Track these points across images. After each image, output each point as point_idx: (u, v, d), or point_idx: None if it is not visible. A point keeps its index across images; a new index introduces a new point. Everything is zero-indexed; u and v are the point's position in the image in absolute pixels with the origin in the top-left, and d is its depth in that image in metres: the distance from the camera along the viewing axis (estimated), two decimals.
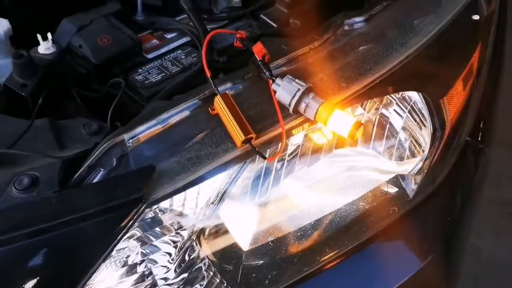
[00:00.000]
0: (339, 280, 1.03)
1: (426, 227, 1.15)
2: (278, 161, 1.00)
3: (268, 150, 0.95)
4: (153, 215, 0.90)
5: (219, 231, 1.00)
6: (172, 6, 1.34)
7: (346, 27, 1.07)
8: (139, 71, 1.18)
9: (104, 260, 0.84)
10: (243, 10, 1.35)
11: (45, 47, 1.08)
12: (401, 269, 1.10)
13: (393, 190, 1.11)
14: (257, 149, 0.88)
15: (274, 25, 1.21)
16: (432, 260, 1.12)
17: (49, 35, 1.09)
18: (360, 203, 1.04)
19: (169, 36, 1.29)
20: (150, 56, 1.23)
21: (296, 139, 0.99)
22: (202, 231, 0.97)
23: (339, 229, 1.03)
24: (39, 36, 1.08)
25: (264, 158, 0.90)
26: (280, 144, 0.94)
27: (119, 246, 0.87)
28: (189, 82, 1.10)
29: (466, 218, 1.25)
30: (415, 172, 1.10)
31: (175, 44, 1.27)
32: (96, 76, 1.16)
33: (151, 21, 1.32)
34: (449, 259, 1.22)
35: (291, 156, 1.01)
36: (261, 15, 1.23)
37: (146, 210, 0.84)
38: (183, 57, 1.23)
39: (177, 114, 0.91)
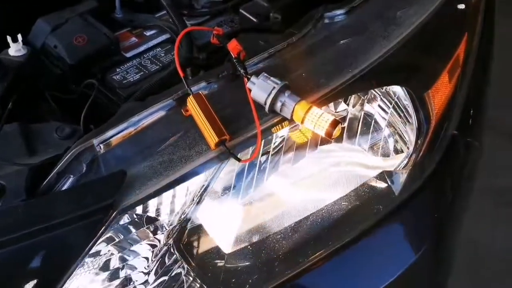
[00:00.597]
0: (324, 282, 1.00)
1: (414, 223, 1.12)
2: (262, 155, 0.97)
3: (251, 148, 0.92)
4: (128, 220, 0.88)
5: (198, 234, 0.97)
6: (152, 2, 1.30)
7: (327, 20, 1.04)
8: (117, 70, 1.15)
9: (76, 269, 0.82)
10: (225, 4, 1.32)
11: (15, 49, 1.05)
12: (391, 265, 1.07)
13: (379, 186, 1.07)
14: (231, 151, 0.85)
15: (254, 19, 1.18)
16: (422, 255, 1.09)
17: (19, 36, 1.06)
18: (343, 203, 1.01)
19: (148, 33, 1.26)
20: (128, 54, 1.20)
21: (281, 132, 0.96)
22: (180, 234, 0.94)
23: (322, 230, 0.99)
24: (9, 38, 1.05)
25: (238, 160, 0.87)
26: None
27: (93, 252, 0.85)
28: (167, 81, 1.07)
29: (457, 211, 1.22)
30: (401, 168, 1.07)
31: (155, 41, 1.24)
32: (72, 77, 1.13)
33: (130, 19, 1.28)
34: (440, 253, 1.19)
35: (275, 150, 0.99)
36: (240, 10, 1.20)
37: (117, 217, 0.82)
38: (162, 55, 1.20)
39: (149, 116, 0.88)
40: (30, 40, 1.14)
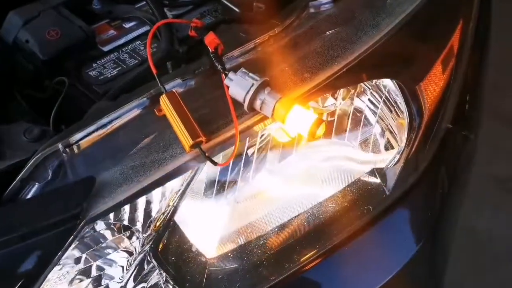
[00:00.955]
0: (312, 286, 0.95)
1: (407, 221, 1.07)
2: (248, 148, 0.92)
3: (232, 148, 0.86)
4: (104, 227, 0.83)
5: (177, 240, 0.91)
6: None
7: (312, 10, 0.98)
8: (94, 65, 1.09)
9: (43, 281, 0.77)
10: None
11: None
12: (387, 263, 1.02)
13: (370, 185, 1.02)
14: (206, 153, 0.80)
15: (237, 9, 1.11)
16: (420, 250, 1.04)
17: None
18: (330, 205, 0.96)
19: (127, 25, 1.19)
20: (106, 48, 1.14)
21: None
22: (157, 241, 0.89)
23: (308, 233, 0.94)
24: None
25: (215, 164, 0.81)
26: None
27: (71, 261, 0.81)
28: (144, 76, 1.01)
29: (453, 204, 1.17)
30: (392, 165, 1.02)
31: (134, 34, 1.17)
32: (46, 74, 1.07)
33: (109, 10, 1.22)
34: (437, 246, 1.15)
35: (261, 147, 0.94)
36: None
37: (85, 227, 0.76)
38: (142, 48, 1.14)
39: (120, 117, 0.82)
40: (1, 35, 1.09)
